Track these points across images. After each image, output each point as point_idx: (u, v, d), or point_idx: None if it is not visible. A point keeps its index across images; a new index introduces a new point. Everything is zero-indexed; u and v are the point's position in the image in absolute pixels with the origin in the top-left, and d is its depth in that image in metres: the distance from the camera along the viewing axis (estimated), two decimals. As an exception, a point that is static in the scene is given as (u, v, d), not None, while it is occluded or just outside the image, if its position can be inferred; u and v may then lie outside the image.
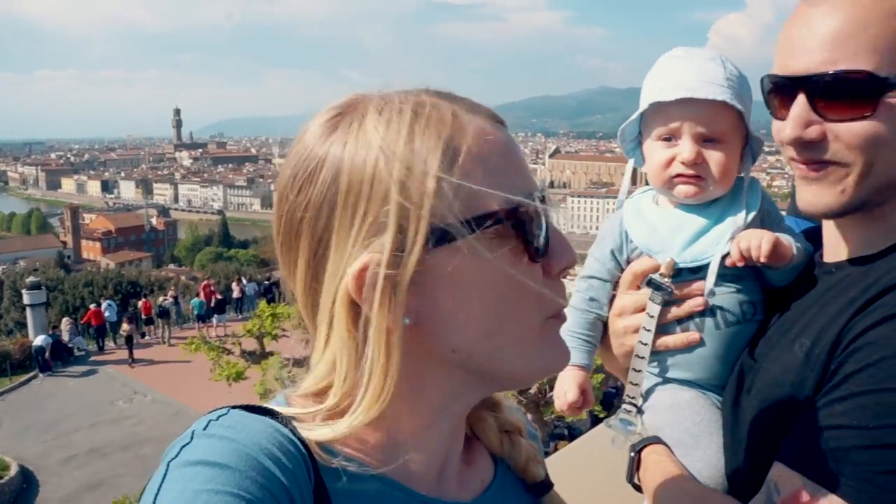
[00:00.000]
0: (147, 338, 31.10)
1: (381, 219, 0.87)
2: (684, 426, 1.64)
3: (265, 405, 0.94)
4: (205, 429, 0.85)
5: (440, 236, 0.87)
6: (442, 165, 0.88)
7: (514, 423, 1.19)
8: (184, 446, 0.83)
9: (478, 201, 0.88)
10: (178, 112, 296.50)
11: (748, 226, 1.63)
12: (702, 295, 1.65)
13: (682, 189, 1.67)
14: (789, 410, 1.35)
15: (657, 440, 1.63)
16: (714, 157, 1.64)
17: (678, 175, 1.65)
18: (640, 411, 1.71)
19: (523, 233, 0.92)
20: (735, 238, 1.61)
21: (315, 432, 0.91)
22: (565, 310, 1.70)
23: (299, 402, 0.99)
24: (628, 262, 1.74)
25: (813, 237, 1.66)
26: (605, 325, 1.78)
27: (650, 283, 1.64)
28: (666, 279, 1.62)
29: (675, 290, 1.64)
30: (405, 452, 0.97)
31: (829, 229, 1.55)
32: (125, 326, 28.76)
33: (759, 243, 1.54)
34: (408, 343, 0.90)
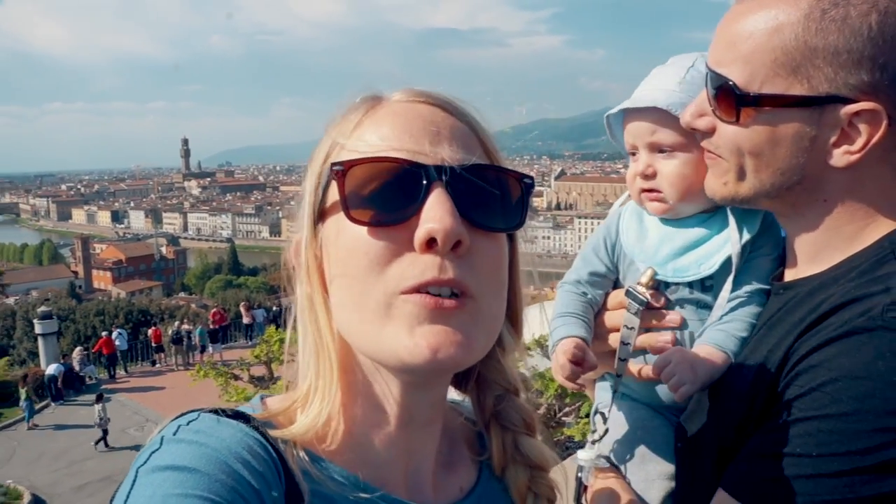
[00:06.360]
0: (158, 365, 31.28)
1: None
2: (635, 446, 1.59)
3: (237, 409, 0.94)
4: (174, 434, 0.85)
5: (317, 209, 0.98)
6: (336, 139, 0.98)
7: (537, 460, 1.16)
8: (153, 452, 0.83)
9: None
10: (185, 142, 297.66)
11: (742, 250, 1.49)
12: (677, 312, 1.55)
13: (650, 206, 1.58)
14: (739, 434, 1.32)
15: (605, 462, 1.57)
16: (664, 169, 1.53)
17: (644, 190, 1.57)
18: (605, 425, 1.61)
19: (356, 189, 0.89)
20: (665, 355, 1.47)
21: (282, 431, 0.92)
22: (560, 290, 1.67)
23: (276, 403, 1.02)
24: (616, 259, 1.67)
25: None
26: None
27: (628, 293, 1.55)
28: (642, 288, 1.53)
29: (653, 302, 1.53)
30: (374, 454, 1.00)
31: (788, 249, 1.47)
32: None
33: (680, 381, 1.42)
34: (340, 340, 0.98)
